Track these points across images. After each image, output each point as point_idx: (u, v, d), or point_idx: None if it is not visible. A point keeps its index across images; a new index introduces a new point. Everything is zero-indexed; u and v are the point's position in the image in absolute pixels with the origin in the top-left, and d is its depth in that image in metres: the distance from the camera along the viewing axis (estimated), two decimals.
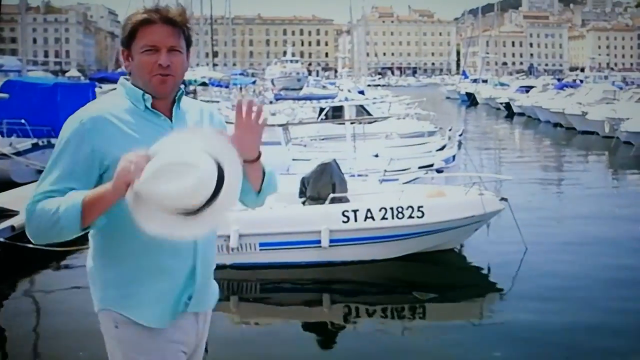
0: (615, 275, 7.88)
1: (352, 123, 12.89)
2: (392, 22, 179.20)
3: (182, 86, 2.21)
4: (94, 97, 16.18)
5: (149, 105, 2.07)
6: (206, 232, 1.88)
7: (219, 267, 2.38)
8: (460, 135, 12.79)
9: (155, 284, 2.07)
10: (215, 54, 77.38)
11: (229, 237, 7.60)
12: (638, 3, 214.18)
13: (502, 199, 8.55)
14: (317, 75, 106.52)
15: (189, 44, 2.14)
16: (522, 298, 7.27)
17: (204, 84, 30.32)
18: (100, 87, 20.91)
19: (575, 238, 9.71)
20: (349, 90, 24.29)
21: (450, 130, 14.62)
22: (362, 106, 17.99)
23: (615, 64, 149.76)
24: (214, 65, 48.40)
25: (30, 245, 8.16)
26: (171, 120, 2.11)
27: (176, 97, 2.14)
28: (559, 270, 8.12)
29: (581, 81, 51.64)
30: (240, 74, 46.69)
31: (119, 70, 39.39)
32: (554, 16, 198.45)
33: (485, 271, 8.35)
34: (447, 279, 8.16)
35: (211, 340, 2.59)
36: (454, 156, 12.77)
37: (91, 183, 1.98)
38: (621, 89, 33.24)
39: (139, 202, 1.77)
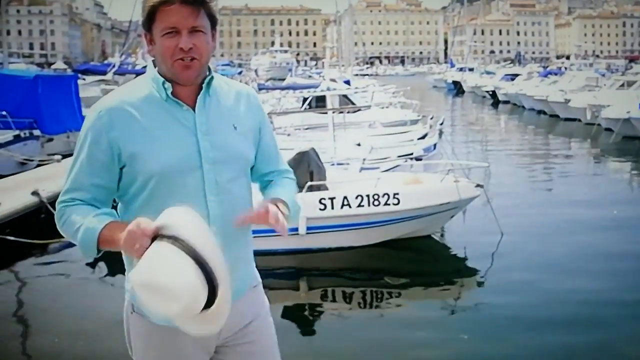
0: (591, 264, 7.90)
1: (334, 112, 12.99)
2: (380, 11, 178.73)
3: (211, 71, 2.04)
4: (77, 90, 16.27)
5: (169, 93, 1.95)
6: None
7: None
8: (441, 124, 12.90)
9: None
10: None
11: None
12: None
13: (478, 185, 8.66)
14: (306, 65, 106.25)
15: (213, 23, 1.98)
16: (496, 284, 7.39)
17: None
18: (84, 79, 20.82)
19: (553, 225, 9.77)
20: (332, 80, 24.33)
21: (432, 118, 14.72)
22: (345, 95, 18.09)
23: (601, 52, 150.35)
24: None
25: (11, 238, 8.26)
26: (194, 110, 1.97)
27: (203, 84, 1.99)
28: (534, 257, 8.21)
29: (566, 68, 51.90)
30: (226, 65, 46.63)
31: (106, 62, 39.31)
32: (541, 4, 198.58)
33: (461, 257, 8.47)
34: (423, 265, 8.29)
35: None
36: (435, 145, 12.88)
37: (114, 178, 1.97)
38: (603, 75, 33.46)
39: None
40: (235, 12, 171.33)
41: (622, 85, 24.96)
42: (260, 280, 2.28)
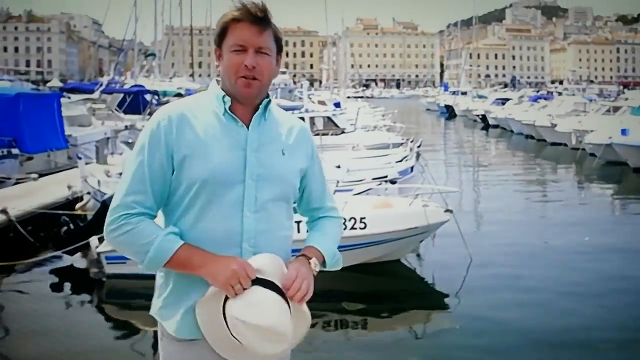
0: (560, 293, 7.82)
1: (315, 134, 13.01)
2: (377, 34, 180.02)
3: (270, 96, 2.11)
4: (59, 108, 16.25)
5: (227, 107, 2.02)
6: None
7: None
8: (418, 146, 12.92)
9: (190, 295, 1.99)
10: (199, 65, 77.62)
11: None
12: (618, 17, 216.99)
13: (447, 210, 8.63)
14: (302, 87, 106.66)
15: (279, 47, 2.08)
16: (461, 311, 7.33)
17: (179, 94, 30.33)
18: (69, 98, 20.86)
19: (525, 251, 9.74)
20: (320, 102, 24.45)
21: (411, 141, 14.74)
22: (329, 118, 18.16)
23: (596, 77, 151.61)
24: (191, 75, 48.45)
25: None
26: (248, 128, 2.03)
27: (261, 105, 2.06)
28: (501, 284, 8.17)
29: (559, 93, 52.20)
30: None
31: (96, 79, 39.44)
32: (537, 29, 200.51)
33: (429, 283, 8.43)
34: (390, 291, 8.20)
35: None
36: (412, 167, 12.88)
37: (167, 184, 1.99)
38: (591, 101, 33.67)
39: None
40: None
41: (609, 110, 25.14)
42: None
